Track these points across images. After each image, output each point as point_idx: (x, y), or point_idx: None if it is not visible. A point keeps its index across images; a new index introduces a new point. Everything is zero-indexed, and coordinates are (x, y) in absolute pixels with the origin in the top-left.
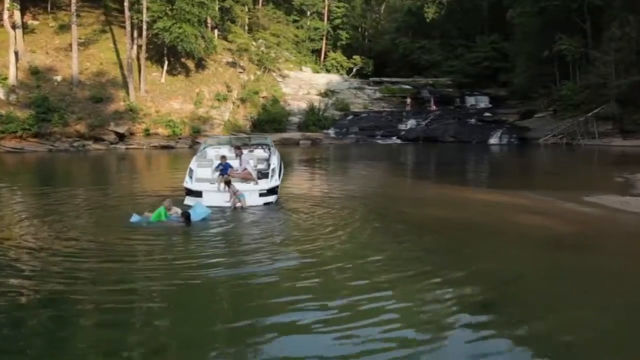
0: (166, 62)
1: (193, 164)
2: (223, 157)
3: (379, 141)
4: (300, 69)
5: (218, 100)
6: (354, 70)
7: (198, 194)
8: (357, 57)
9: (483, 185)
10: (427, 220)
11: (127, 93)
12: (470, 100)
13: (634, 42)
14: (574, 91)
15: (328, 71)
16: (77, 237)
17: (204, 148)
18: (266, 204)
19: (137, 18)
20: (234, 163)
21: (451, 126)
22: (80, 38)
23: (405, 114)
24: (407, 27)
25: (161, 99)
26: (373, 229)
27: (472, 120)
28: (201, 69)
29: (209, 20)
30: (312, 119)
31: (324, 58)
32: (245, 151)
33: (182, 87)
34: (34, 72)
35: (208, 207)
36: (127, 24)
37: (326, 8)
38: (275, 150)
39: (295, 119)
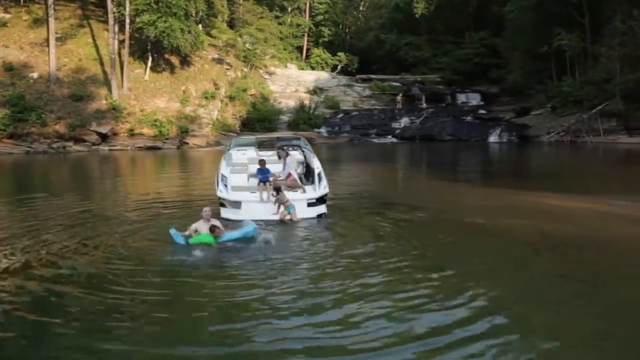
0: (150, 59)
1: (224, 170)
2: (262, 162)
3: (374, 140)
4: (286, 66)
5: (206, 98)
6: (339, 67)
7: (236, 205)
8: (341, 54)
9: (542, 188)
10: (531, 236)
11: (110, 91)
12: (462, 98)
13: (638, 36)
14: (574, 87)
15: (313, 68)
16: (55, 262)
17: (229, 150)
18: (319, 215)
19: (119, 11)
20: (274, 168)
21: (447, 124)
22: (56, 33)
23: (398, 112)
24: (393, 24)
25: (145, 97)
26: (480, 251)
27: (469, 118)
28: (187, 65)
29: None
30: (303, 118)
31: (307, 55)
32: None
33: (167, 85)
34: (8, 68)
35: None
36: (110, 17)
37: (307, 4)
38: (312, 151)
39: (285, 118)
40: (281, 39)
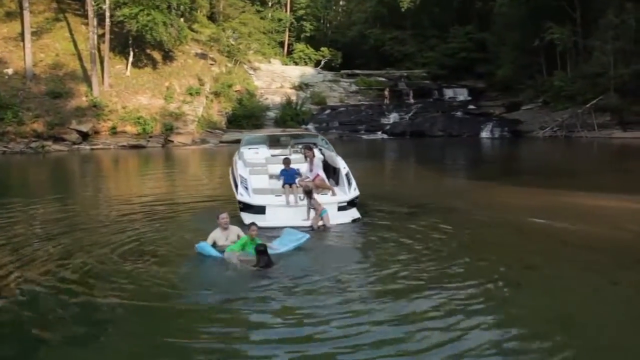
0: (131, 54)
1: (242, 170)
2: (287, 161)
3: (364, 136)
4: (269, 62)
5: (190, 94)
6: (322, 62)
7: (260, 209)
8: (325, 49)
9: (569, 187)
10: (594, 242)
11: (90, 87)
12: (449, 93)
13: (632, 29)
14: (566, 82)
15: (296, 63)
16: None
17: (241, 149)
18: (354, 220)
19: (98, 4)
20: (300, 168)
21: (438, 120)
22: (31, 27)
23: (386, 108)
24: (377, 18)
25: (127, 93)
26: (552, 259)
27: (459, 114)
28: (169, 61)
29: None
30: (290, 114)
31: (288, 50)
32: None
33: (149, 81)
34: None
35: (270, 226)
36: (90, 10)
37: None
38: (333, 150)
39: (271, 114)
40: (264, 33)
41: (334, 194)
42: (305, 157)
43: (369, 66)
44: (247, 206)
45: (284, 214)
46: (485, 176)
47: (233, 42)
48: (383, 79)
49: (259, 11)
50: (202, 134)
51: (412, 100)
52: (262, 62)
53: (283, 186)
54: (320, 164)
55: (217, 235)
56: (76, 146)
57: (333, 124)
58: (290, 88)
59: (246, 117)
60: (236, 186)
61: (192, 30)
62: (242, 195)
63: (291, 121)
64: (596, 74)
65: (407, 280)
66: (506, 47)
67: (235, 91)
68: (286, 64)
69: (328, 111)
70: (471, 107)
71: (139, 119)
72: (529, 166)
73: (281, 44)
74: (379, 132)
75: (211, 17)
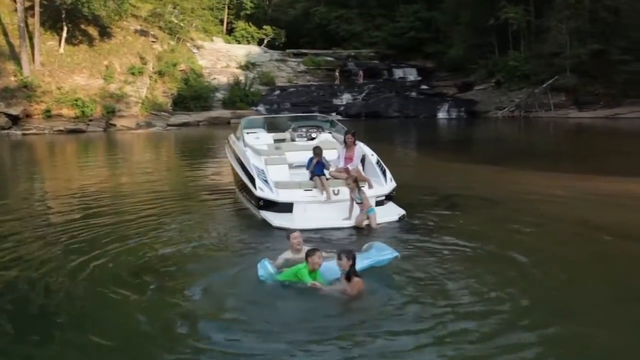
0: (65, 29)
1: (255, 159)
2: (318, 149)
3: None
4: (212, 40)
5: (132, 74)
6: (265, 41)
7: (286, 207)
8: (267, 27)
9: (574, 170)
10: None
11: (19, 66)
12: (398, 73)
13: (587, 10)
14: (520, 62)
15: (238, 42)
16: None
17: (243, 134)
18: (401, 218)
19: None
20: (329, 156)
21: (393, 100)
22: None
23: (337, 88)
24: None
25: (62, 73)
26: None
27: (413, 94)
28: (107, 37)
29: None
30: (239, 95)
31: (228, 29)
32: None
33: (86, 59)
34: None
35: (300, 229)
36: None
37: None
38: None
39: (219, 95)
40: (205, 10)
41: (371, 186)
42: (345, 144)
43: (314, 45)
44: (269, 204)
45: (318, 212)
46: (474, 159)
47: (175, 19)
48: (331, 59)
49: None
50: (147, 117)
51: (361, 81)
52: (205, 41)
53: (311, 178)
54: (361, 154)
55: (286, 255)
56: (5, 131)
57: (284, 105)
58: (237, 68)
59: (193, 98)
60: (251, 179)
61: (131, 5)
62: (263, 191)
63: (240, 102)
64: (552, 53)
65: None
66: (459, 27)
67: (180, 71)
68: (229, 43)
69: (277, 92)
70: (424, 87)
71: (76, 100)
72: (513, 148)
73: (221, 22)
74: (333, 113)
75: None
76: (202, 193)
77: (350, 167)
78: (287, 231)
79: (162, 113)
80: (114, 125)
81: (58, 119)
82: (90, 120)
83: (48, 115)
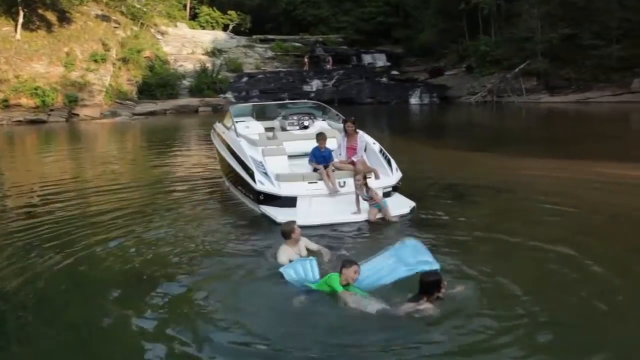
0: (21, 14)
1: (251, 150)
2: (322, 136)
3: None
4: (175, 25)
5: (95, 61)
6: (230, 27)
7: (289, 201)
8: (232, 13)
9: (576, 156)
10: None
11: None
12: (367, 58)
13: None
14: (491, 46)
15: (203, 28)
16: None
17: (234, 123)
18: (412, 210)
19: None
20: (329, 145)
21: (364, 86)
22: None
23: (307, 74)
24: None
25: (19, 60)
26: None
27: (384, 80)
28: (67, 23)
29: None
30: (206, 82)
31: (192, 14)
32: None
33: (45, 46)
34: None
35: (305, 225)
36: None
37: None
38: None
39: (186, 82)
40: None
41: (377, 177)
42: (346, 132)
43: (280, 31)
44: (269, 198)
45: (323, 206)
46: (472, 146)
47: (137, 4)
48: (299, 45)
49: None
50: (112, 106)
51: (330, 67)
52: (169, 26)
53: (314, 170)
54: (364, 144)
55: (289, 252)
56: None
57: (253, 92)
58: (203, 54)
59: (159, 86)
60: (249, 172)
61: None
62: (263, 184)
63: (208, 90)
64: (523, 38)
65: None
66: (428, 11)
67: (145, 57)
68: (194, 28)
69: (245, 79)
70: (395, 72)
71: (36, 89)
72: (500, 133)
73: (184, 7)
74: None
75: None
76: (183, 186)
77: (354, 158)
78: (282, 225)
79: (127, 102)
80: (77, 115)
81: (17, 109)
82: (52, 110)
83: (5, 105)
